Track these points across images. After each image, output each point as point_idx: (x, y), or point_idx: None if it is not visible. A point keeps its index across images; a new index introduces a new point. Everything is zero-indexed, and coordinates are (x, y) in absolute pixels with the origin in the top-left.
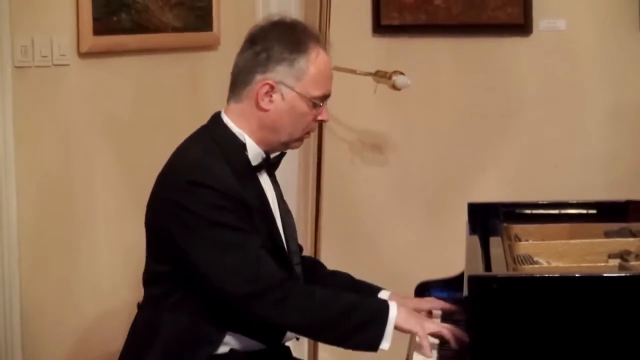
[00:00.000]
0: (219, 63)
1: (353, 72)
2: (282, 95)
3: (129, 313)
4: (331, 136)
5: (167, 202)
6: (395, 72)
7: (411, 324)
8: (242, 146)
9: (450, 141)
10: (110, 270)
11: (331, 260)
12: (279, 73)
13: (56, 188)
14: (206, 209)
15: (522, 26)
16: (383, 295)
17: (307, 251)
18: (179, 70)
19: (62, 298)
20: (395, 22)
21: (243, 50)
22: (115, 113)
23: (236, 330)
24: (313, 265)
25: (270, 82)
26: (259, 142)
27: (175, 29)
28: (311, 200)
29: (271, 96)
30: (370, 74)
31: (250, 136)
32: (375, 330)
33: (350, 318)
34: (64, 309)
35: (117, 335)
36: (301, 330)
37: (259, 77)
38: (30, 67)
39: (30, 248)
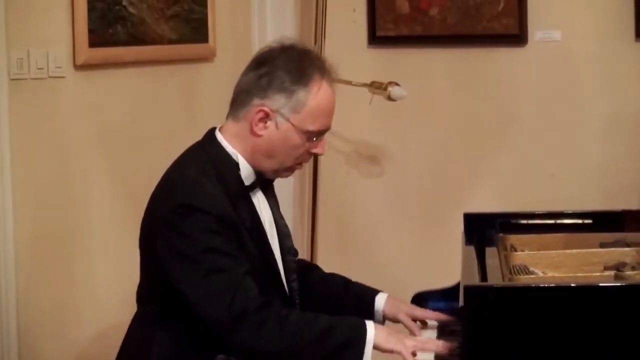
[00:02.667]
0: (215, 75)
1: (349, 83)
2: (276, 124)
3: (125, 325)
4: (327, 147)
5: (158, 222)
6: (390, 83)
7: (392, 342)
8: (235, 166)
9: (446, 152)
10: (106, 282)
11: (327, 270)
12: (277, 102)
13: (52, 199)
14: (194, 232)
15: (517, 37)
16: (379, 299)
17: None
18: (174, 82)
19: (59, 311)
20: (391, 33)
21: (248, 69)
22: (111, 125)
23: (227, 352)
24: (307, 269)
25: (266, 109)
26: (251, 164)
27: (171, 41)
28: (307, 211)
29: (266, 123)
30: (365, 85)
31: (243, 156)
32: (353, 353)
33: (327, 343)
34: (60, 321)
35: (114, 347)
36: (277, 357)
37: (256, 101)
38: (26, 79)
39: (26, 260)
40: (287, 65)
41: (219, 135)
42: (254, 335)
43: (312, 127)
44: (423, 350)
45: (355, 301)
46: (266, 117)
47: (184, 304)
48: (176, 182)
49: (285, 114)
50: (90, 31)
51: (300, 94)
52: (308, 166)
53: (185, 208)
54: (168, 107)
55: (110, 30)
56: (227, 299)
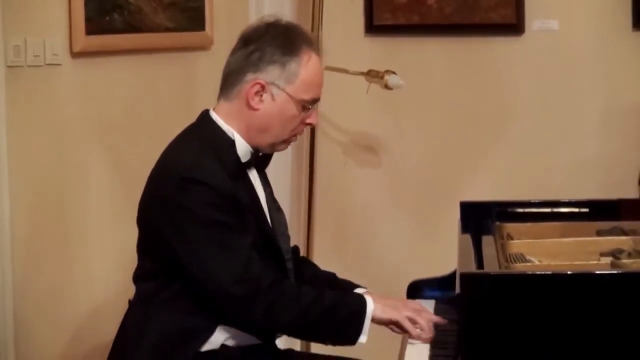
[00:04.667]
0: (212, 63)
1: (345, 72)
2: (272, 95)
3: (121, 313)
4: (323, 137)
5: (160, 199)
6: (387, 71)
7: (388, 313)
8: (232, 143)
9: (443, 141)
10: (103, 270)
11: (324, 260)
12: (270, 74)
13: (49, 188)
14: (200, 207)
15: (514, 26)
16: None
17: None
18: (171, 70)
19: (56, 299)
20: (388, 22)
21: (236, 49)
22: (108, 113)
23: (228, 324)
24: (301, 264)
25: (261, 81)
26: (247, 141)
27: (168, 29)
28: (304, 201)
29: (261, 96)
30: (362, 73)
31: (239, 133)
32: (355, 327)
33: (332, 318)
34: (57, 309)
35: (110, 334)
36: (287, 331)
37: (250, 76)
38: (22, 67)
39: (23, 249)
40: (275, 39)
41: (213, 115)
42: (268, 310)
43: (306, 95)
44: (418, 319)
45: None
46: (262, 89)
47: (194, 282)
48: (175, 159)
49: (280, 85)
50: (87, 19)
51: (292, 64)
52: (305, 156)
53: (187, 182)
54: (165, 95)
55: (107, 18)
56: (239, 274)
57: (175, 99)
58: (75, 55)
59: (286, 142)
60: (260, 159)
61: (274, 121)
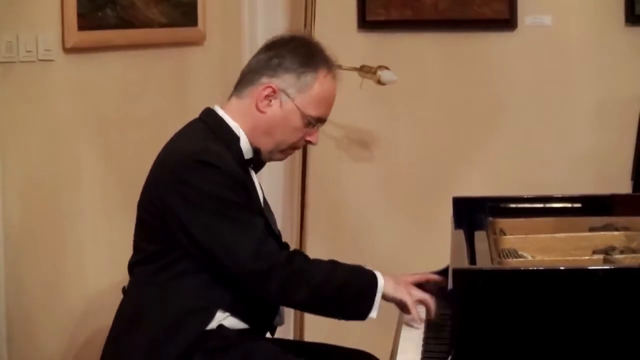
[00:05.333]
0: (205, 58)
1: (338, 67)
2: (280, 102)
3: (115, 307)
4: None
5: (173, 181)
6: (380, 67)
7: (399, 292)
8: (237, 139)
9: (436, 136)
10: (96, 266)
11: (316, 255)
12: (285, 81)
13: (42, 183)
14: (215, 188)
15: (507, 21)
16: None
17: (293, 247)
18: (164, 65)
19: (49, 294)
20: (381, 18)
21: (258, 53)
22: (100, 108)
23: (227, 309)
24: None
25: (273, 86)
26: (250, 140)
27: (161, 25)
28: (297, 196)
29: (270, 100)
30: (355, 69)
31: (244, 132)
32: (366, 302)
33: (345, 292)
34: (50, 304)
35: (104, 328)
36: (300, 306)
37: (265, 79)
38: (15, 62)
39: (16, 244)
40: (298, 49)
41: (219, 111)
42: (285, 285)
43: (313, 112)
44: (425, 303)
45: None
46: (273, 94)
47: (210, 260)
48: (186, 145)
49: (291, 94)
50: (80, 14)
51: (308, 76)
52: (298, 151)
53: (202, 164)
54: (158, 90)
55: (100, 14)
56: (256, 251)
57: (168, 94)
58: (67, 50)
59: (283, 152)
60: (257, 163)
61: (277, 127)
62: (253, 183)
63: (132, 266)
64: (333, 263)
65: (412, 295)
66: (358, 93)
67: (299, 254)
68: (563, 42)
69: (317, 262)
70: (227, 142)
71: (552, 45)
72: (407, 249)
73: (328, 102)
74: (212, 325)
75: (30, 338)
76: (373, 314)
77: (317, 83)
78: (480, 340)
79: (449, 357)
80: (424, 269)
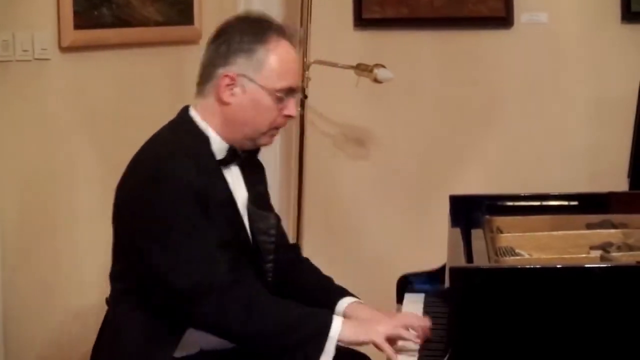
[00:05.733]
0: (201, 57)
1: (334, 65)
2: (243, 87)
3: None
4: (313, 129)
5: (128, 198)
6: (377, 65)
7: (361, 334)
8: (206, 140)
9: (433, 134)
10: (92, 264)
11: (313, 254)
12: (238, 65)
13: (38, 182)
14: (162, 204)
15: (503, 19)
16: (344, 302)
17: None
18: (160, 64)
19: (44, 293)
20: (377, 16)
21: (208, 44)
22: (96, 107)
23: (195, 327)
24: (299, 267)
25: (230, 74)
26: (224, 137)
27: (157, 23)
28: (293, 194)
29: (232, 89)
30: (352, 67)
31: (215, 130)
32: (314, 347)
33: (291, 333)
34: (46, 304)
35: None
36: (239, 340)
37: (220, 70)
38: (11, 61)
39: (12, 243)
40: (242, 29)
41: (192, 112)
42: (218, 311)
43: (278, 84)
44: (396, 335)
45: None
46: (232, 82)
47: (151, 277)
48: (144, 157)
49: (249, 75)
50: (76, 13)
51: (260, 51)
52: (294, 148)
53: (151, 180)
54: (154, 89)
55: (96, 13)
56: (193, 270)
57: (164, 93)
58: (63, 49)
59: (267, 135)
60: (243, 155)
61: (248, 114)
62: (225, 185)
63: (110, 278)
64: (287, 301)
65: (379, 334)
66: (354, 91)
67: (248, 283)
68: (559, 40)
69: (266, 298)
70: (195, 147)
71: (549, 43)
72: (403, 247)
73: (290, 69)
74: (193, 346)
75: (26, 338)
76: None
77: (271, 54)
78: (477, 338)
79: (446, 356)
80: (420, 267)
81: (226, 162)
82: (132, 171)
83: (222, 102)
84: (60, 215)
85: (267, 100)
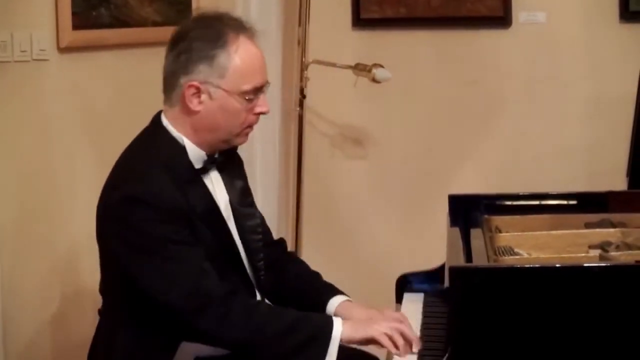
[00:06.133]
0: None
1: (333, 65)
2: (209, 94)
3: None
4: (311, 130)
5: (106, 217)
6: (375, 65)
7: (360, 331)
8: (182, 150)
9: (431, 133)
10: (90, 265)
11: (312, 253)
12: (202, 73)
13: (36, 182)
14: (144, 224)
15: (501, 19)
16: (335, 301)
17: (288, 246)
18: (158, 64)
19: (43, 291)
20: (375, 16)
21: (167, 52)
22: (95, 108)
23: (189, 340)
24: (284, 265)
25: (194, 83)
26: (199, 144)
27: (155, 23)
28: (292, 194)
29: (199, 97)
30: (350, 67)
31: (188, 139)
32: (317, 349)
33: (292, 337)
34: (44, 303)
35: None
36: (241, 348)
37: (183, 79)
38: (9, 62)
39: (10, 243)
40: (200, 34)
41: (164, 120)
42: (218, 324)
43: (245, 86)
44: (395, 337)
45: (312, 302)
46: (197, 91)
47: (143, 297)
48: (122, 174)
49: (214, 82)
50: (74, 14)
51: (221, 57)
52: (293, 148)
53: (130, 200)
54: (152, 89)
55: (94, 13)
56: (188, 288)
57: (161, 93)
58: (62, 50)
59: (241, 135)
60: (220, 159)
61: (219, 120)
62: (207, 194)
63: (100, 292)
64: (283, 308)
65: (377, 329)
66: (352, 91)
67: (242, 294)
68: (557, 39)
69: (262, 304)
70: (171, 159)
71: (547, 42)
72: (402, 247)
73: (254, 67)
74: (187, 355)
75: (25, 336)
76: None
77: (233, 57)
78: (476, 337)
79: (446, 355)
80: (419, 267)
81: (205, 170)
82: (110, 190)
83: (190, 111)
84: (58, 215)
85: (236, 104)
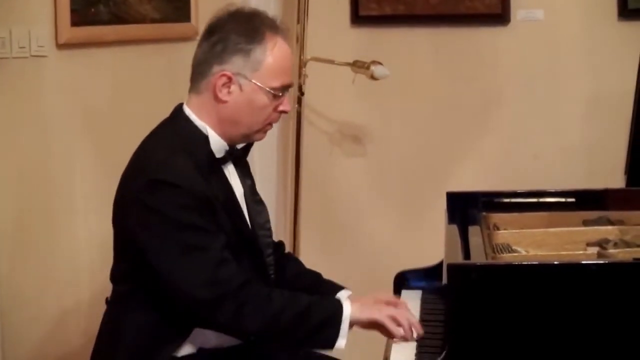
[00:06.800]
0: None
1: (331, 62)
2: (240, 86)
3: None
4: (309, 127)
5: (130, 200)
6: (373, 62)
7: (366, 312)
8: (205, 139)
9: (429, 131)
10: (89, 262)
11: (310, 251)
12: (235, 64)
13: (34, 179)
14: (169, 209)
15: (500, 16)
16: (342, 295)
17: (286, 243)
18: (157, 61)
19: (42, 291)
20: (374, 13)
21: (201, 41)
22: (93, 104)
23: (203, 328)
24: (284, 264)
25: (227, 73)
26: (220, 135)
27: (154, 20)
28: (290, 192)
29: (229, 88)
30: (348, 64)
31: (212, 128)
32: (331, 331)
33: (306, 321)
34: (43, 302)
35: (96, 327)
36: (258, 335)
37: (216, 68)
38: (8, 58)
39: (9, 241)
40: (238, 27)
41: (186, 110)
42: (236, 313)
43: (274, 83)
44: (399, 318)
45: None
46: (229, 81)
47: (162, 284)
48: (146, 159)
49: (246, 75)
50: (73, 10)
51: (257, 52)
52: (291, 146)
53: (156, 184)
54: (150, 86)
55: (93, 10)
56: (208, 278)
57: (160, 90)
58: (60, 46)
59: (261, 131)
60: (238, 152)
61: (244, 112)
62: (226, 183)
63: (111, 279)
64: (295, 293)
65: (381, 312)
66: (351, 88)
67: (256, 282)
68: (556, 37)
69: (276, 291)
70: (194, 147)
71: (545, 40)
72: (400, 244)
73: (286, 67)
74: (193, 345)
75: (23, 332)
76: (340, 342)
77: (269, 54)
78: (474, 335)
79: (444, 352)
80: (417, 264)
81: (224, 160)
82: (133, 175)
83: (218, 101)
84: (56, 211)
85: (264, 99)
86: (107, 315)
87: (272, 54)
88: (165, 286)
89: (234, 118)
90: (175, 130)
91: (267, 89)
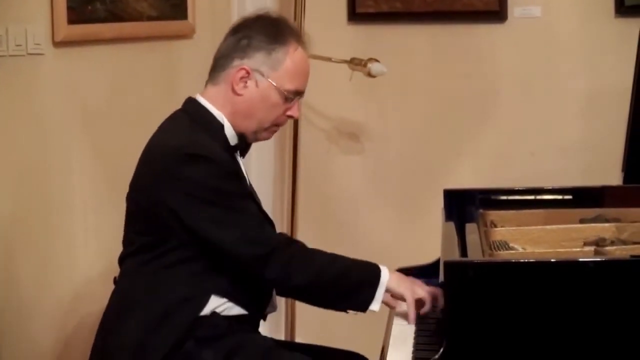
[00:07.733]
0: (194, 52)
1: (328, 59)
2: (256, 82)
3: (105, 299)
4: (307, 124)
5: (165, 176)
6: (370, 59)
7: (402, 287)
8: (221, 127)
9: (426, 128)
10: (86, 258)
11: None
12: (256, 60)
13: (31, 177)
14: (208, 178)
15: (497, 13)
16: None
17: None
18: (154, 59)
19: (39, 287)
20: (371, 10)
21: (226, 37)
22: (90, 102)
23: (221, 295)
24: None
25: (246, 67)
26: (233, 127)
27: (150, 18)
28: (287, 189)
29: (246, 82)
30: (345, 61)
31: (227, 118)
32: (367, 293)
33: (346, 280)
34: (40, 297)
35: (94, 320)
36: (299, 292)
37: (236, 62)
38: (4, 56)
39: (6, 238)
40: (264, 28)
41: (201, 99)
42: (284, 269)
43: (289, 85)
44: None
45: None
46: (247, 75)
47: (211, 248)
48: (173, 138)
49: (264, 72)
50: (69, 8)
51: (279, 52)
52: (288, 143)
53: (192, 157)
54: (147, 84)
55: (90, 7)
56: (255, 236)
57: (157, 87)
58: (57, 44)
59: (268, 131)
60: (245, 145)
61: (257, 107)
62: (241, 169)
63: (123, 259)
64: (335, 254)
65: (413, 294)
66: (348, 85)
67: (298, 240)
68: (553, 34)
69: (318, 250)
70: (212, 132)
71: (542, 37)
72: (397, 241)
73: (302, 73)
74: (206, 311)
75: (21, 330)
76: (375, 306)
77: (289, 57)
78: (471, 332)
79: (441, 350)
80: (414, 262)
81: (237, 148)
82: (160, 154)
83: (234, 92)
84: (54, 209)
85: (276, 98)
86: (116, 293)
87: (292, 58)
88: (216, 251)
89: (247, 111)
90: (193, 117)
91: (281, 90)
